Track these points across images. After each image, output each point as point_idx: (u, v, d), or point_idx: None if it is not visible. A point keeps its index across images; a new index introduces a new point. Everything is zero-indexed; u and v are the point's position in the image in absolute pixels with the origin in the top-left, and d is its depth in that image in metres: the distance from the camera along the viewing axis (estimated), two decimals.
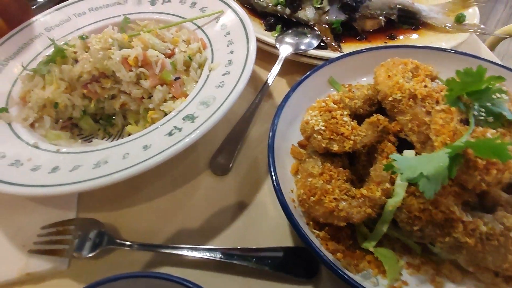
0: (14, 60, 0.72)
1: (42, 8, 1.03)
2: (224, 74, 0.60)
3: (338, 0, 0.78)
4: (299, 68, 0.79)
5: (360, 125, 0.51)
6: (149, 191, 0.63)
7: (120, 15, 0.80)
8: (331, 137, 0.48)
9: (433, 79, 0.54)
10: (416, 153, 0.47)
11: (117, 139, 0.68)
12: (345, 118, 0.49)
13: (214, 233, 0.57)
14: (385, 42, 0.78)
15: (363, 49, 0.65)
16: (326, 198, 0.45)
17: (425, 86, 0.49)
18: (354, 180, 0.51)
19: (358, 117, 0.54)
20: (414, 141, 0.47)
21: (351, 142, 0.48)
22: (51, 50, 0.74)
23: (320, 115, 0.51)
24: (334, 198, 0.45)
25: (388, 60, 0.56)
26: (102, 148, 0.54)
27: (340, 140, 0.48)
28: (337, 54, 0.73)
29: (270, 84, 0.69)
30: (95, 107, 0.66)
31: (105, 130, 0.70)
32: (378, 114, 0.50)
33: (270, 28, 0.83)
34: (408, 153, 0.46)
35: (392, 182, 0.45)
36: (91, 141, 0.68)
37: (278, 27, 0.81)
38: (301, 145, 0.59)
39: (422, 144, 0.46)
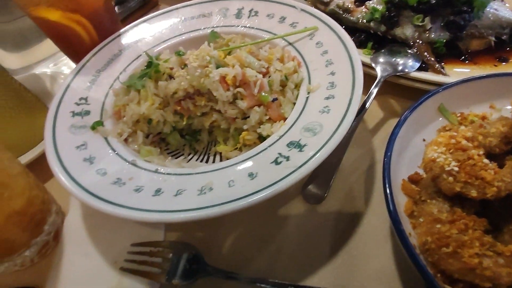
0: (105, 71, 0.73)
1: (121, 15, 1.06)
2: (327, 98, 0.56)
3: (442, 18, 0.71)
4: (391, 88, 0.73)
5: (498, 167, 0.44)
6: (238, 214, 0.60)
7: (205, 28, 0.79)
8: (469, 181, 0.42)
9: None
10: None
11: (204, 156, 0.67)
12: (485, 160, 0.43)
13: (312, 268, 0.53)
14: (495, 65, 0.70)
15: (479, 76, 0.58)
16: (465, 251, 0.40)
17: None
18: (488, 230, 0.44)
19: (491, 156, 0.47)
20: None
21: (494, 189, 0.41)
22: (139, 62, 0.74)
23: (450, 153, 0.45)
24: (476, 254, 0.39)
25: None
26: (202, 172, 0.52)
27: (480, 186, 0.42)
28: (442, 77, 0.66)
29: (367, 108, 0.64)
30: (186, 123, 0.65)
31: (190, 145, 0.69)
32: None
33: (360, 44, 0.78)
34: None
35: None
36: (178, 157, 0.67)
37: (369, 44, 0.76)
38: (412, 180, 0.53)
39: None
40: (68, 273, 0.57)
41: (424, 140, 0.58)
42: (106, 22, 0.78)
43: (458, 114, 0.60)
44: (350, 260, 0.53)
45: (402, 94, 0.73)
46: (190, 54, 0.63)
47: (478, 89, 0.60)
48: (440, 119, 0.60)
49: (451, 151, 0.45)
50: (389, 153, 0.50)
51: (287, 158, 0.49)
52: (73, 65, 0.98)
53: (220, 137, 0.66)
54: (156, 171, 0.54)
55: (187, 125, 0.67)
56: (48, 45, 0.96)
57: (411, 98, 0.73)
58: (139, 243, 0.56)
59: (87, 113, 0.65)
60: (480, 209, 0.46)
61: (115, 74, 0.72)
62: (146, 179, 0.52)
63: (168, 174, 0.53)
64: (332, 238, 0.55)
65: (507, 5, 0.79)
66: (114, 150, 0.58)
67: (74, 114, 0.64)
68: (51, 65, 1.02)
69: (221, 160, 0.64)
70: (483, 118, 0.58)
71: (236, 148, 0.63)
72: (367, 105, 0.64)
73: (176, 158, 0.67)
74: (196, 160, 0.67)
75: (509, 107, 0.58)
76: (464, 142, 0.45)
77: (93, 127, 0.61)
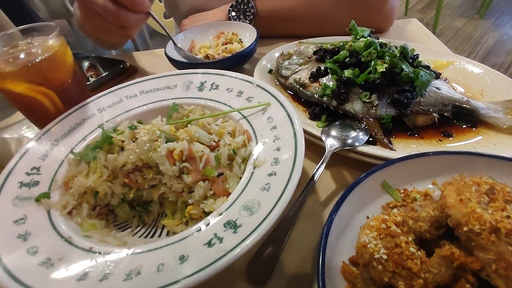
0: (64, 141, 0.74)
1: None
2: (270, 175, 0.57)
3: (387, 95, 0.76)
4: (344, 160, 0.75)
5: (426, 253, 0.44)
6: None
7: (168, 99, 0.83)
8: (396, 270, 0.41)
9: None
10: None
11: (152, 229, 0.65)
12: (411, 249, 0.42)
13: None
14: (440, 140, 0.73)
15: (421, 154, 0.60)
16: None
17: (508, 216, 0.42)
18: None
19: (424, 242, 0.47)
20: None
21: (421, 281, 0.40)
22: (99, 132, 0.76)
23: (380, 239, 0.45)
24: None
25: (456, 177, 0.50)
26: (136, 253, 0.50)
27: (407, 277, 0.41)
28: (388, 152, 0.69)
29: (316, 181, 0.64)
30: (134, 195, 0.64)
31: (140, 217, 0.67)
32: (452, 246, 0.43)
33: (314, 117, 0.81)
34: None
35: None
36: (126, 229, 0.65)
37: (323, 117, 0.80)
38: (353, 262, 0.52)
39: None
40: None
41: (368, 217, 0.57)
42: (73, 93, 0.81)
43: (402, 191, 0.60)
44: None
45: (356, 167, 0.75)
46: (142, 128, 0.65)
47: (420, 166, 0.61)
48: (385, 195, 0.60)
49: (381, 236, 0.45)
50: (325, 238, 0.49)
51: (221, 240, 0.48)
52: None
53: (169, 210, 0.65)
54: (90, 250, 0.52)
55: (138, 196, 0.66)
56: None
57: (365, 171, 0.74)
58: None
59: (36, 183, 0.64)
60: None
61: (72, 144, 0.73)
62: (78, 259, 0.50)
63: (100, 253, 0.51)
64: None
65: (446, 81, 0.85)
66: (52, 225, 0.57)
67: (22, 184, 0.64)
68: (24, 127, 1.04)
69: (167, 234, 0.63)
70: (426, 195, 0.59)
71: (182, 222, 0.62)
72: (316, 178, 0.65)
73: (123, 231, 0.65)
74: (144, 233, 0.65)
75: None
76: (393, 227, 0.45)
77: (37, 199, 0.61)
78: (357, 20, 0.92)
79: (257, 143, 0.66)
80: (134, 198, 0.67)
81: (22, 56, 0.71)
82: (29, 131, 1.03)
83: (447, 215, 0.46)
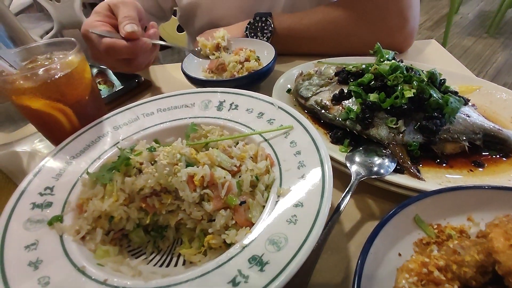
0: (79, 158, 0.72)
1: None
2: (296, 206, 0.54)
3: (415, 121, 0.73)
4: (368, 187, 0.71)
5: None
6: None
7: (186, 118, 0.80)
8: None
9: None
10: None
11: (168, 256, 0.62)
12: None
13: None
14: (471, 170, 0.69)
15: (456, 187, 0.57)
16: None
17: None
18: None
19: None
20: None
21: None
22: (114, 150, 0.74)
23: (422, 285, 0.41)
24: None
25: (502, 218, 0.46)
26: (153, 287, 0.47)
27: None
28: (418, 182, 0.65)
29: (341, 211, 0.61)
30: (150, 220, 0.61)
31: (154, 242, 0.64)
32: None
33: (337, 141, 0.78)
34: None
35: None
36: (139, 255, 0.62)
37: (346, 141, 0.77)
38: None
39: None
40: None
41: (400, 255, 0.54)
42: (90, 110, 0.79)
43: (435, 226, 0.57)
44: None
45: (382, 195, 0.71)
46: (162, 151, 0.62)
47: (454, 200, 0.57)
48: (417, 231, 0.57)
49: (423, 282, 0.41)
50: (358, 275, 0.46)
51: (246, 279, 0.45)
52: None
53: (186, 237, 0.62)
54: (104, 282, 0.49)
55: (154, 221, 0.63)
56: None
57: (390, 199, 0.71)
58: None
59: (49, 205, 0.62)
60: None
61: (88, 162, 0.71)
62: None
63: (115, 287, 0.47)
64: None
65: (475, 107, 0.82)
66: (65, 252, 0.54)
67: (35, 206, 0.61)
68: (36, 140, 1.03)
69: (184, 264, 0.59)
70: (461, 232, 0.55)
71: (201, 252, 0.58)
72: (341, 208, 0.61)
73: (137, 257, 0.62)
74: (159, 260, 0.61)
75: (487, 221, 0.55)
76: (436, 273, 0.42)
77: (49, 223, 0.58)
78: (376, 40, 0.90)
79: (280, 169, 0.63)
80: (150, 223, 0.64)
81: (41, 72, 0.69)
82: (41, 144, 1.01)
83: (494, 261, 0.42)
